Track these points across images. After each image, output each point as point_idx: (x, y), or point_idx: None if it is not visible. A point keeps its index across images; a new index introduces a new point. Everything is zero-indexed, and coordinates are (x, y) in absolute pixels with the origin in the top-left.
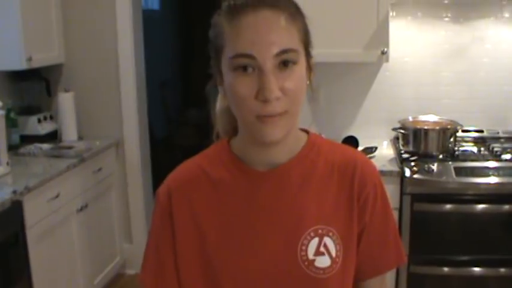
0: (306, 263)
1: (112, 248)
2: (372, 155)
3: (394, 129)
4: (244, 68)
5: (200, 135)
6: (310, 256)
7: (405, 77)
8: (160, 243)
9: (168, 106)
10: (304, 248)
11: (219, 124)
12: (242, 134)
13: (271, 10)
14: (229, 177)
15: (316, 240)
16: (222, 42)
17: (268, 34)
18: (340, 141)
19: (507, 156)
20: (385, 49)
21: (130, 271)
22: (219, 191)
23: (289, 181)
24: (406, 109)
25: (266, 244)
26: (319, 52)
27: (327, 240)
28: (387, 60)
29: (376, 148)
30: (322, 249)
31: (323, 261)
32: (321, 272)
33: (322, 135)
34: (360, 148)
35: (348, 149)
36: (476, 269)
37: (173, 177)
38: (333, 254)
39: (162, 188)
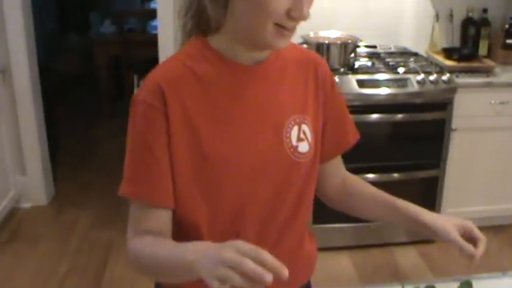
0: (292, 150)
1: (4, 181)
2: None
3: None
4: None
5: (81, 62)
6: (294, 142)
7: None
8: (154, 145)
9: (45, 31)
10: (288, 135)
11: (189, 21)
12: (231, 32)
13: None
14: (215, 71)
15: (296, 128)
16: None
17: None
18: None
19: (401, 70)
20: None
21: (25, 204)
22: (207, 86)
23: (269, 76)
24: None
25: (256, 135)
26: None
27: (304, 127)
28: None
29: None
30: (302, 135)
31: (304, 147)
32: (302, 156)
33: None
34: None
35: (302, 47)
36: (371, 175)
37: (160, 77)
38: (310, 139)
39: (150, 89)
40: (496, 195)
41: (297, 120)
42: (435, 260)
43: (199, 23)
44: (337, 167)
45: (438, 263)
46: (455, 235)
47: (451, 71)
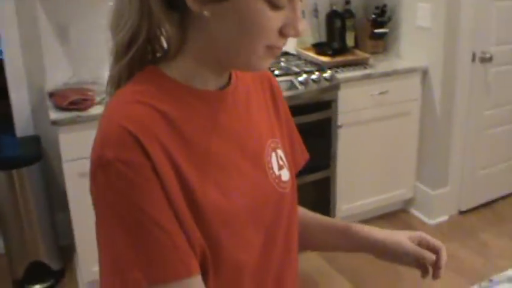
0: (277, 181)
1: None
2: None
3: None
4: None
5: None
6: (277, 172)
7: None
8: (156, 214)
9: None
10: (270, 165)
11: (135, 53)
12: (194, 56)
13: None
14: (183, 106)
15: (273, 154)
16: None
17: None
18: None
19: (277, 72)
20: None
21: None
22: (178, 125)
23: (238, 101)
24: None
25: (241, 171)
26: None
27: (280, 152)
28: None
29: None
30: (280, 162)
31: (285, 174)
32: (286, 186)
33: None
34: None
35: None
36: None
37: (125, 122)
38: (287, 164)
39: (119, 140)
40: (385, 184)
41: (272, 145)
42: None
43: (147, 55)
44: None
45: (343, 264)
46: (413, 246)
47: (330, 67)
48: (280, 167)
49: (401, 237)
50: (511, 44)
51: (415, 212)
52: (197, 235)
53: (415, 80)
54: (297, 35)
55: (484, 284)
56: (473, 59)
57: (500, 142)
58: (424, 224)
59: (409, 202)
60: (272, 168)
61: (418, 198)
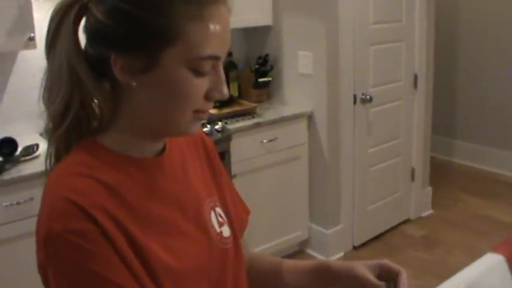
0: (219, 237)
1: None
2: (35, 154)
3: None
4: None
5: None
6: (218, 229)
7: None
8: (118, 276)
9: None
10: (211, 224)
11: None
12: (126, 127)
13: (225, 5)
14: (122, 176)
15: (213, 213)
16: (176, 31)
17: (228, 33)
18: None
19: None
20: (32, 35)
21: None
22: (119, 195)
23: (174, 164)
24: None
25: (185, 234)
26: None
27: (218, 210)
28: (35, 47)
29: (37, 146)
30: (220, 219)
31: (226, 231)
32: (228, 241)
33: None
34: (20, 149)
35: None
36: None
37: (68, 193)
38: (227, 221)
39: (64, 211)
40: (280, 227)
41: (211, 204)
42: None
43: (82, 126)
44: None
45: None
46: (365, 272)
47: (219, 119)
48: (221, 224)
49: (360, 266)
50: (387, 85)
51: (311, 252)
52: None
53: (302, 125)
54: (222, 97)
55: None
56: (355, 101)
57: (384, 177)
58: None
59: (304, 243)
60: (213, 227)
61: (313, 238)
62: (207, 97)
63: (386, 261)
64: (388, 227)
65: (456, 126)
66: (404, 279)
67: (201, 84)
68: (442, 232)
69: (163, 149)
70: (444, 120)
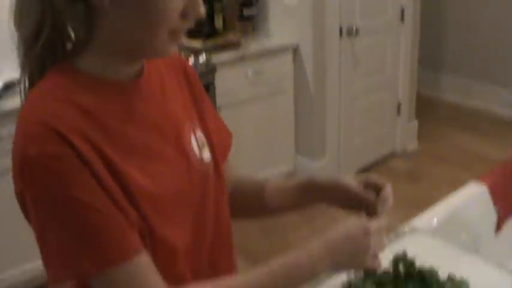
0: (199, 162)
1: None
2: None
3: None
4: None
5: None
6: (197, 153)
7: None
8: (89, 199)
9: None
10: (190, 147)
11: (41, 49)
12: (103, 48)
13: None
14: (100, 99)
15: (193, 136)
16: None
17: None
18: None
19: None
20: None
21: None
22: (97, 118)
23: (153, 87)
24: None
25: (163, 155)
26: None
27: (198, 133)
28: None
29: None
30: (200, 143)
31: (207, 155)
32: (208, 166)
33: None
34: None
35: None
36: None
37: (44, 118)
38: (208, 145)
39: (40, 136)
40: (266, 160)
41: (191, 127)
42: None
43: (56, 49)
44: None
45: None
46: (351, 183)
47: (203, 51)
48: (201, 148)
49: (341, 175)
50: (374, 18)
51: None
52: (134, 213)
53: (287, 58)
54: (198, 16)
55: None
56: (341, 33)
57: (370, 111)
58: None
59: (290, 175)
60: (193, 150)
61: (299, 170)
62: (183, 16)
63: (372, 175)
64: (374, 160)
65: (444, 59)
66: (389, 192)
67: (177, 2)
68: (427, 166)
69: (142, 73)
70: (432, 53)
